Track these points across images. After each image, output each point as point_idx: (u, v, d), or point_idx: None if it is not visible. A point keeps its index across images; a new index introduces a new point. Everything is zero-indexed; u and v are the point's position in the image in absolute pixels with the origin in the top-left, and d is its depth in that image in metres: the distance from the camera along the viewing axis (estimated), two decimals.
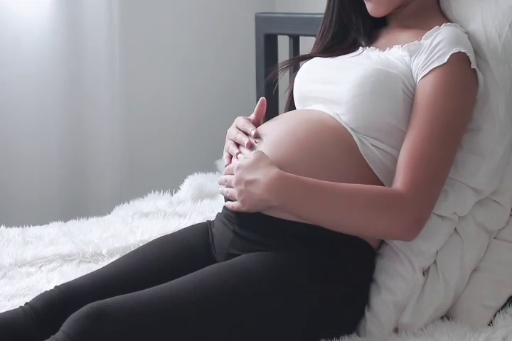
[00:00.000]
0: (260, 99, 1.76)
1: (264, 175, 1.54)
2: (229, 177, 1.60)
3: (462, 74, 1.58)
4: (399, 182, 1.53)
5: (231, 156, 1.69)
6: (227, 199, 1.64)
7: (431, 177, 1.54)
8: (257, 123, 1.72)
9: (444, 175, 1.57)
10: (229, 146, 1.70)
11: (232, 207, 1.60)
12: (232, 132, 1.72)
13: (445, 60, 1.57)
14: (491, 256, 1.67)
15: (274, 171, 1.54)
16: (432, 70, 1.58)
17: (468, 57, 1.59)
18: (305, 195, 1.53)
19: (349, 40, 1.78)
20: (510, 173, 1.68)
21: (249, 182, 1.55)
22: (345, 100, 1.61)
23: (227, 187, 1.62)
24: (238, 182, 1.57)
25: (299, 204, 1.53)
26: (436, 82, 1.57)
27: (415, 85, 1.60)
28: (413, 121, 1.57)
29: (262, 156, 1.57)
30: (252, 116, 1.74)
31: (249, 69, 3.03)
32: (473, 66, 1.59)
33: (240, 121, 1.72)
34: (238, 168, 1.58)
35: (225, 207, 1.66)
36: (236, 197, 1.58)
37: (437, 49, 1.59)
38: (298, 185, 1.53)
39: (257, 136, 1.66)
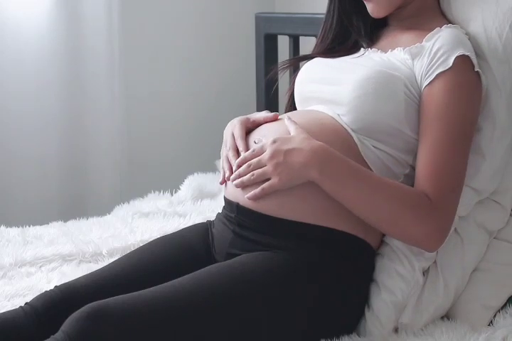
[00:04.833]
0: (273, 114, 1.69)
1: (307, 145, 1.52)
2: (253, 160, 1.55)
3: (468, 78, 1.58)
4: (425, 192, 1.53)
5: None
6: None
7: (455, 186, 1.56)
8: (255, 126, 1.68)
9: (463, 182, 1.58)
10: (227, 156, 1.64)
11: (262, 189, 1.52)
12: (227, 139, 1.66)
13: (450, 65, 1.57)
14: (491, 256, 1.67)
15: (318, 142, 1.53)
16: (437, 76, 1.57)
17: (471, 60, 1.59)
18: (345, 172, 1.51)
19: (350, 42, 1.78)
20: (510, 173, 1.68)
21: (289, 152, 1.51)
22: (346, 101, 1.61)
23: (251, 171, 1.54)
24: (275, 154, 1.52)
25: (338, 179, 1.51)
26: (445, 89, 1.57)
27: (419, 89, 1.60)
28: (427, 130, 1.57)
29: (302, 131, 1.55)
30: (255, 116, 1.69)
31: (249, 69, 3.03)
32: (477, 69, 1.59)
33: (236, 131, 1.66)
34: (274, 141, 1.53)
35: (224, 207, 1.66)
36: (270, 173, 1.52)
37: (440, 53, 1.58)
38: (341, 161, 1.52)
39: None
